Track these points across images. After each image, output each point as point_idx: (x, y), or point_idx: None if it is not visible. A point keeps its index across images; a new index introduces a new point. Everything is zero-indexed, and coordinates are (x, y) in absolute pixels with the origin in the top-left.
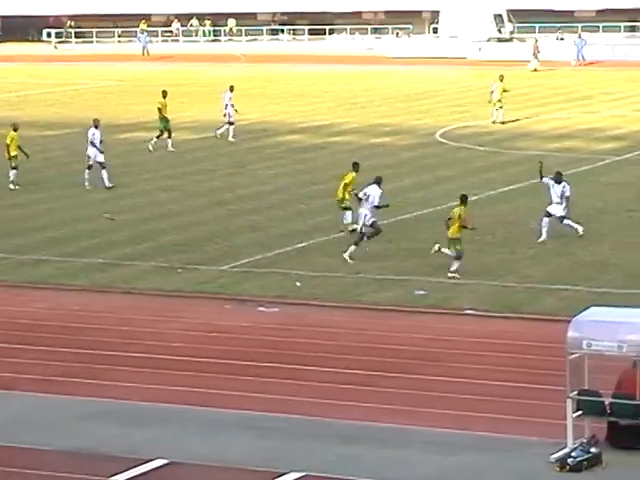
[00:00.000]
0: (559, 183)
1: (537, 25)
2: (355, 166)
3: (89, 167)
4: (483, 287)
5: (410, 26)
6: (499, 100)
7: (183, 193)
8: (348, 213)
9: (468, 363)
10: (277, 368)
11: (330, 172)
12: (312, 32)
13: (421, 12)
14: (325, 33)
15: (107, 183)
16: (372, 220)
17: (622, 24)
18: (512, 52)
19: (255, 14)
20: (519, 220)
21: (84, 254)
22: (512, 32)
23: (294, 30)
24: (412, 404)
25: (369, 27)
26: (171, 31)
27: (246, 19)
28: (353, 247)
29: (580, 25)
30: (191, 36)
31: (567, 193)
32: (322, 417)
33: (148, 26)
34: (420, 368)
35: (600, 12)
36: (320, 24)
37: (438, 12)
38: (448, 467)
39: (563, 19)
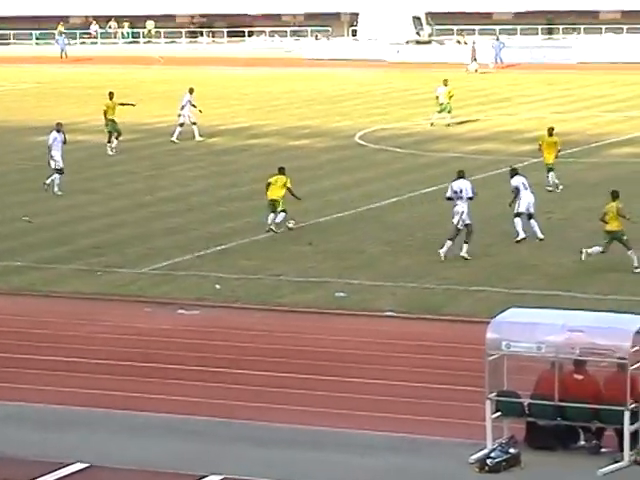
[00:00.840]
0: (512, 178)
1: (455, 27)
2: (281, 170)
3: (59, 171)
4: (402, 289)
5: (329, 28)
6: (448, 103)
7: (103, 195)
8: (282, 214)
9: (388, 365)
10: (198, 371)
11: (250, 174)
12: (231, 34)
13: (340, 14)
14: (244, 35)
15: (56, 189)
16: (468, 221)
17: (540, 26)
18: (431, 54)
19: (174, 16)
20: (438, 222)
21: (1, 257)
22: (431, 35)
23: (213, 32)
24: (331, 406)
25: (288, 29)
26: (89, 33)
27: (165, 21)
28: (449, 243)
29: (498, 28)
30: (109, 38)
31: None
32: (243, 420)
33: (66, 28)
34: (340, 370)
35: (518, 15)
36: (239, 26)
37: (357, 15)
38: (367, 469)
39: (481, 21)
